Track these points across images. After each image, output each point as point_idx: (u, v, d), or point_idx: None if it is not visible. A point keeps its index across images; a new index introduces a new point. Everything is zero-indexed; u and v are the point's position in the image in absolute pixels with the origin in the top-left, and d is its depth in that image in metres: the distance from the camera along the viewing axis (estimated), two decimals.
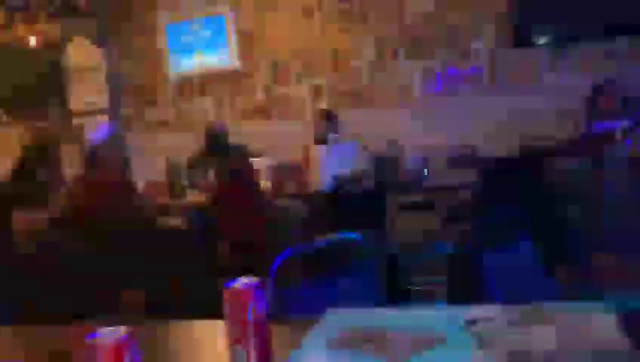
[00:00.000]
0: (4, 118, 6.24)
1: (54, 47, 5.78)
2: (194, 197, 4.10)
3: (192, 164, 4.53)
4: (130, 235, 2.93)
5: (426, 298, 2.91)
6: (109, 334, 0.79)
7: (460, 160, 4.19)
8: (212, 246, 3.05)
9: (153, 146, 5.30)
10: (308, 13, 5.27)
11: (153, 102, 5.82)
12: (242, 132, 5.00)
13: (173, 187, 4.39)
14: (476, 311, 0.86)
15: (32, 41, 5.79)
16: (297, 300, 1.37)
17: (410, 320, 1.00)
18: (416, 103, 4.95)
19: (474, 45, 4.84)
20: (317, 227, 3.08)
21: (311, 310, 1.29)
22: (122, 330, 0.80)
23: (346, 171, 3.27)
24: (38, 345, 1.23)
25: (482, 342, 0.86)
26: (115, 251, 2.95)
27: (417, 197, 3.58)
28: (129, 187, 3.27)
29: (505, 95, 4.63)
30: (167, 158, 4.69)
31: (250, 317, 0.94)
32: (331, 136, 3.59)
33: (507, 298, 2.13)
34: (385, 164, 3.77)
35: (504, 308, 0.95)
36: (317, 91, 5.33)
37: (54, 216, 3.16)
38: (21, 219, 3.10)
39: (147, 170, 4.61)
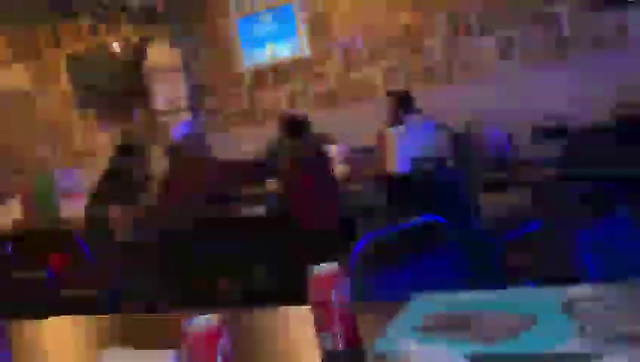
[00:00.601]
0: (94, 121, 6.65)
1: (136, 51, 6.07)
2: (271, 185, 4.17)
3: (269, 154, 4.61)
4: (217, 227, 3.04)
5: (515, 278, 2.80)
6: (203, 322, 0.81)
7: (546, 133, 3.98)
8: (289, 233, 3.10)
9: (232, 139, 5.45)
10: None
11: (229, 96, 5.98)
12: (316, 119, 5.02)
13: (253, 177, 4.49)
14: (574, 290, 0.81)
15: (115, 46, 6.11)
16: (380, 285, 1.35)
17: (502, 301, 0.96)
18: (495, 77, 4.74)
19: (555, 9, 4.55)
20: (397, 211, 3.05)
21: (395, 295, 1.27)
22: (215, 318, 0.82)
23: (424, 152, 3.20)
24: (135, 332, 1.30)
25: (582, 324, 0.81)
26: (203, 241, 3.07)
27: (501, 175, 3.44)
28: (212, 180, 3.39)
29: (590, 60, 4.33)
30: (245, 149, 4.81)
31: (336, 302, 0.94)
32: (407, 116, 3.52)
33: (603, 275, 2.01)
34: (465, 142, 3.65)
35: (604, 287, 0.89)
36: (390, 73, 5.24)
37: (143, 212, 3.34)
38: (117, 214, 3.29)
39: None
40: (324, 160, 3.36)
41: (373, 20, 5.22)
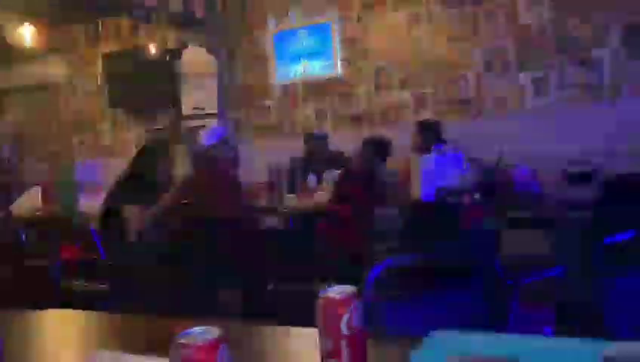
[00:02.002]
0: (124, 119, 6.72)
1: (171, 54, 6.13)
2: (292, 200, 4.13)
3: (293, 169, 4.58)
4: (234, 234, 2.99)
5: (534, 325, 2.68)
6: (202, 333, 0.75)
7: (578, 174, 3.86)
8: (311, 250, 3.03)
9: (257, 150, 5.43)
10: (415, 21, 5.16)
11: (259, 108, 5.98)
12: (343, 139, 4.98)
13: (272, 190, 4.46)
14: (616, 346, 0.73)
15: (152, 48, 6.19)
16: (394, 315, 1.28)
17: (533, 350, 0.88)
18: (529, 114, 4.66)
19: (594, 54, 4.47)
20: (416, 238, 2.96)
21: (409, 327, 1.19)
22: (215, 331, 0.76)
23: (449, 182, 3.12)
24: (135, 333, 1.25)
25: None
26: (216, 249, 3.02)
27: (528, 214, 3.33)
28: (237, 188, 3.36)
29: (627, 106, 4.23)
30: (269, 162, 4.78)
31: (345, 329, 0.87)
32: (435, 145, 3.45)
33: (633, 332, 1.89)
34: (493, 177, 3.55)
35: None
36: (420, 100, 5.19)
37: (162, 214, 3.31)
38: (134, 214, 3.27)
39: (250, 172, 4.73)
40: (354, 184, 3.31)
41: (408, 47, 5.19)
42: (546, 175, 3.99)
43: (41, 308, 1.49)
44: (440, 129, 4.10)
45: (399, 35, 5.23)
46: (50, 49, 6.57)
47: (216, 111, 5.93)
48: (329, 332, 0.88)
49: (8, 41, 5.66)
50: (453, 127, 4.22)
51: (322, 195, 3.97)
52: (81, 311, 1.50)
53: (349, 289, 0.91)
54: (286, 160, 4.82)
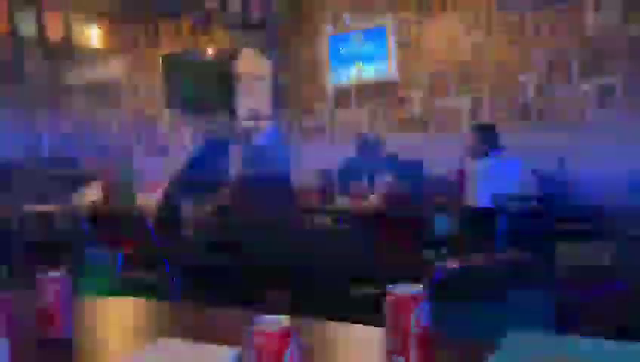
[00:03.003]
0: (181, 119, 6.90)
1: (228, 56, 6.26)
2: (344, 202, 4.13)
3: (344, 172, 4.58)
4: (285, 234, 3.01)
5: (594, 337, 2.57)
6: (273, 321, 0.77)
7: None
8: (368, 251, 3.02)
9: (309, 152, 5.46)
10: (474, 25, 5.08)
11: (311, 111, 6.02)
12: (397, 143, 4.95)
13: (324, 192, 4.47)
14: None
15: (210, 50, 6.34)
16: (456, 319, 1.26)
17: (607, 353, 0.85)
18: (591, 122, 4.49)
19: None
20: (470, 244, 2.90)
21: (471, 331, 1.17)
22: (285, 320, 0.77)
23: (507, 188, 3.05)
24: (197, 322, 1.28)
25: None
26: (267, 249, 3.06)
27: (587, 226, 3.21)
28: (288, 189, 3.39)
29: None
30: (321, 165, 4.80)
31: (414, 327, 0.86)
32: (492, 151, 3.38)
33: None
34: (552, 186, 3.45)
35: None
36: (477, 104, 5.10)
37: (216, 212, 3.37)
38: (188, 208, 3.35)
39: (301, 174, 4.76)
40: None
41: (466, 51, 5.11)
42: (607, 186, 3.84)
43: (104, 297, 1.54)
44: (496, 133, 4.01)
45: (457, 39, 5.16)
46: (112, 49, 6.84)
47: (269, 112, 6.01)
48: (397, 330, 0.87)
49: (74, 41, 5.93)
50: (511, 134, 4.11)
51: (374, 198, 3.95)
52: (142, 299, 1.54)
53: (417, 287, 0.90)
54: (338, 162, 4.82)
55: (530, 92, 4.83)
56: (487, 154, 3.29)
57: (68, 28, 5.76)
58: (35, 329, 1.13)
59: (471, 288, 1.38)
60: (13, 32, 5.45)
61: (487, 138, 3.82)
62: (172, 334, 1.13)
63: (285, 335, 0.75)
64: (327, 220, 3.91)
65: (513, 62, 4.89)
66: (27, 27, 5.44)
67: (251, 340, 0.75)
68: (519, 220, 2.89)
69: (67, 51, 6.66)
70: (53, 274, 1.16)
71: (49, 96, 7.85)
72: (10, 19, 5.33)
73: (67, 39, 5.79)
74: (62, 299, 1.15)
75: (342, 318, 1.16)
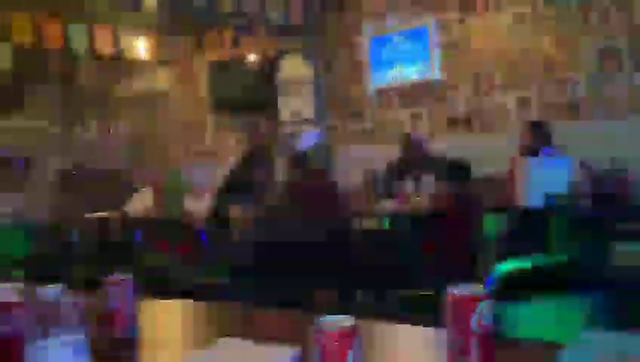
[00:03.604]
0: (226, 126, 7.04)
1: (270, 63, 6.34)
2: (389, 205, 4.11)
3: (389, 173, 4.57)
4: (331, 236, 3.03)
5: None
6: (337, 321, 0.78)
7: None
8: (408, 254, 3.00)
9: (353, 155, 5.47)
10: (520, 21, 4.98)
11: (354, 114, 6.03)
12: (442, 143, 4.90)
13: (369, 194, 4.47)
14: None
15: (252, 57, 6.44)
16: (513, 319, 1.24)
17: None
18: None
19: None
20: (520, 244, 2.84)
21: (527, 330, 1.16)
22: (348, 320, 0.78)
23: (559, 188, 2.96)
24: (256, 323, 1.30)
25: None
26: (314, 250, 3.08)
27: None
28: (333, 191, 3.41)
29: None
30: (365, 167, 4.80)
31: (476, 328, 0.86)
32: (543, 149, 3.30)
33: None
34: (605, 184, 3.33)
35: None
36: (524, 102, 4.98)
37: (264, 215, 3.43)
38: (237, 212, 3.42)
39: (346, 177, 4.77)
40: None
41: (511, 48, 5.01)
42: None
43: (161, 298, 1.59)
44: (547, 131, 3.91)
45: (501, 36, 5.06)
46: (160, 60, 7.04)
47: (312, 117, 6.05)
48: (458, 331, 0.87)
49: (125, 54, 6.14)
50: (561, 131, 4.00)
51: (421, 199, 3.92)
52: (201, 301, 1.58)
53: (477, 288, 0.90)
54: (382, 164, 4.81)
55: (581, 87, 4.68)
56: (538, 153, 3.21)
57: (117, 41, 5.97)
58: (103, 329, 1.18)
59: (530, 287, 1.36)
60: (66, 47, 5.69)
61: (538, 136, 3.73)
62: (231, 334, 1.15)
63: (349, 335, 0.76)
64: (373, 222, 3.91)
65: (562, 57, 4.76)
66: (79, 42, 5.67)
67: (315, 340, 0.77)
68: (572, 220, 2.81)
69: (117, 64, 6.90)
70: (119, 277, 1.21)
71: (101, 107, 8.16)
72: (64, 35, 5.56)
73: (117, 52, 6.01)
74: (127, 300, 1.20)
75: (390, 318, 1.16)
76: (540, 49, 4.84)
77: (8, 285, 1.88)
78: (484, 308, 0.88)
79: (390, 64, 5.75)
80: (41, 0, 4.99)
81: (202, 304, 1.57)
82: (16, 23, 5.42)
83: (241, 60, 6.56)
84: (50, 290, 0.85)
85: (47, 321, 0.81)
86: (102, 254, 4.16)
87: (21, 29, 5.42)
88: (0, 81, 7.26)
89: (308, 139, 3.63)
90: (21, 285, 1.93)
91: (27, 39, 5.46)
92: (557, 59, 4.77)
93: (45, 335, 0.81)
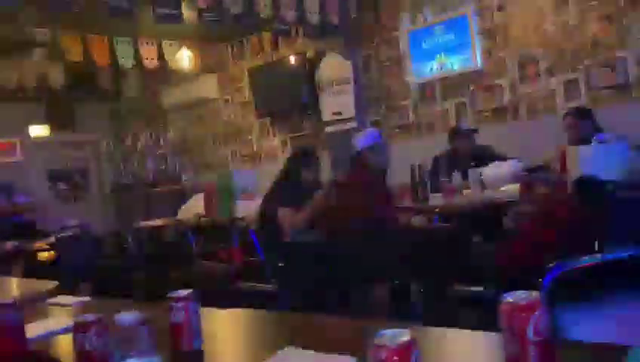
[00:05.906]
0: (270, 128, 7.14)
1: (310, 63, 6.39)
2: (437, 200, 4.07)
3: (436, 167, 4.52)
4: (383, 236, 3.04)
5: None
6: (395, 335, 0.80)
7: None
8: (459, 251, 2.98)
9: (397, 150, 5.44)
10: (563, 2, 4.83)
11: (397, 108, 6.00)
12: (488, 133, 4.81)
13: (416, 191, 4.43)
14: None
15: (292, 59, 6.50)
16: (576, 322, 1.22)
17: None
18: None
19: None
20: (579, 238, 2.76)
21: (591, 335, 1.14)
22: (406, 333, 0.80)
23: (614, 174, 2.86)
24: (315, 332, 1.33)
25: None
26: (367, 250, 3.10)
27: None
28: (387, 190, 3.42)
29: None
30: (410, 162, 4.76)
31: (533, 335, 0.86)
32: (594, 135, 3.19)
33: None
34: None
35: None
36: (570, 87, 4.83)
37: (314, 216, 3.47)
38: (286, 216, 3.47)
39: (392, 173, 4.75)
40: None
41: (555, 30, 4.87)
42: None
43: (220, 307, 1.63)
44: (593, 115, 3.78)
45: (544, 19, 4.92)
46: (203, 68, 7.20)
47: (354, 114, 6.05)
48: (516, 338, 0.88)
49: (170, 65, 6.32)
50: (611, 114, 3.87)
51: (468, 193, 3.87)
52: (257, 309, 1.63)
53: (534, 293, 0.90)
54: (427, 159, 4.76)
55: (631, 67, 4.51)
56: (589, 140, 3.11)
57: (161, 53, 6.16)
58: (169, 343, 1.23)
59: (589, 288, 1.33)
60: (113, 63, 5.91)
61: (587, 121, 3.62)
62: (292, 344, 1.18)
63: (407, 348, 0.78)
64: (422, 219, 3.89)
65: (609, 38, 4.59)
66: (126, 57, 5.88)
67: (373, 355, 0.79)
68: (629, 209, 2.71)
69: (162, 75, 7.11)
70: (183, 292, 1.26)
71: (149, 118, 8.42)
72: (111, 51, 5.79)
73: (162, 64, 6.20)
74: (190, 313, 1.25)
75: (439, 317, 1.17)
76: (584, 30, 4.69)
77: (78, 299, 1.99)
78: (541, 314, 0.88)
79: (431, 56, 5.69)
80: (89, 20, 5.21)
81: (262, 312, 1.61)
82: (66, 43, 5.67)
83: (281, 63, 6.63)
84: (127, 316, 0.90)
85: (124, 345, 0.86)
86: (158, 263, 4.30)
87: (71, 48, 5.68)
88: (54, 98, 7.62)
89: (364, 137, 3.64)
90: (88, 298, 2.04)
91: (77, 57, 5.71)
92: (603, 38, 4.60)
93: (123, 358, 0.86)
